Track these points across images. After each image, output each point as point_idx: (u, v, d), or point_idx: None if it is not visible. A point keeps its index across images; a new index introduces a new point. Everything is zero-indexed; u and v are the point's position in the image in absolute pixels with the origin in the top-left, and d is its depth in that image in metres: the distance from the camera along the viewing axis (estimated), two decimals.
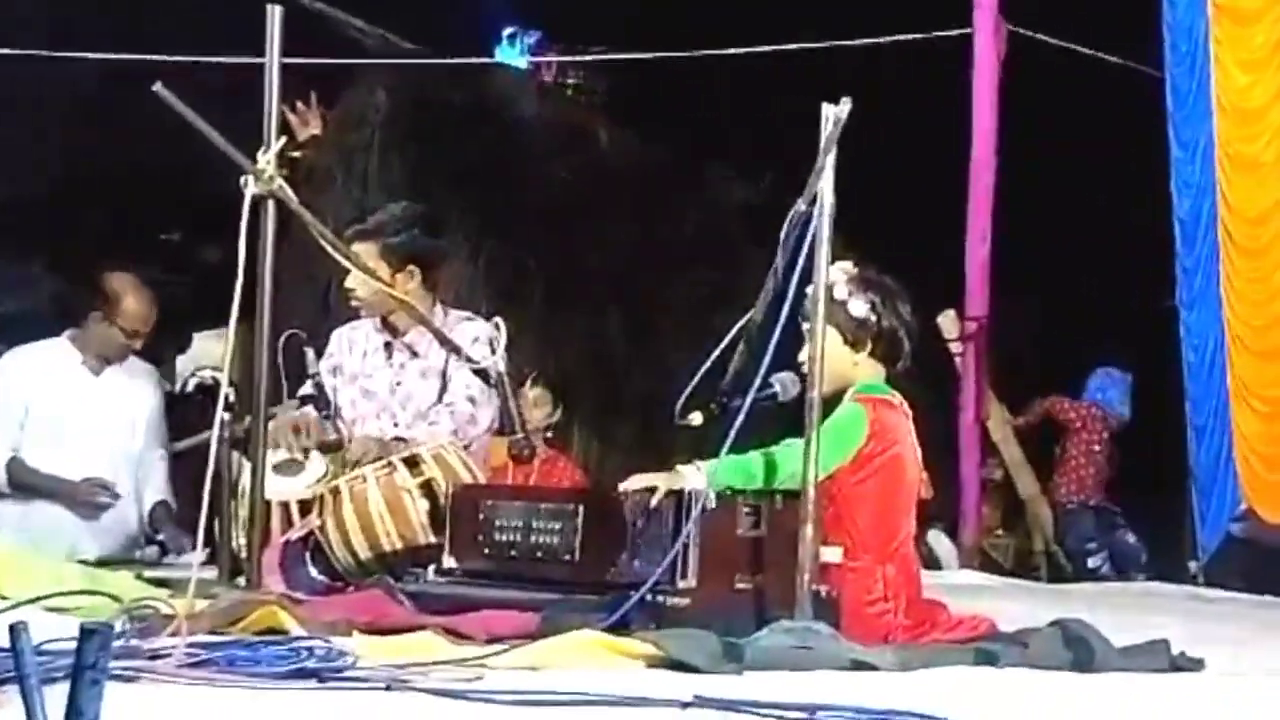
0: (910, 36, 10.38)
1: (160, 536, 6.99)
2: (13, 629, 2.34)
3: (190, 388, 10.47)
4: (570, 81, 16.51)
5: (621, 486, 4.45)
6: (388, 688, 3.11)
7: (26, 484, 6.77)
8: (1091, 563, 9.85)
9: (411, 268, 5.77)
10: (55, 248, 12.72)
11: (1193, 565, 9.32)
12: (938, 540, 9.45)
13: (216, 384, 9.60)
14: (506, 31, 16.56)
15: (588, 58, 15.67)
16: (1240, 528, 9.11)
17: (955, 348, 9.93)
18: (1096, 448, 10.15)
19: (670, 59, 11.49)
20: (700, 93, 13.10)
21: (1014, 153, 10.00)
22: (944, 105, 10.22)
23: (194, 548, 6.93)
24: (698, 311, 12.28)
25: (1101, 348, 10.65)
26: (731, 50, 11.10)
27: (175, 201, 14.93)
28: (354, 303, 5.79)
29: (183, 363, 13.27)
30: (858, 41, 10.41)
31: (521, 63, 15.92)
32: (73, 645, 2.85)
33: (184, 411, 9.47)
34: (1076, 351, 10.45)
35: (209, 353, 13.51)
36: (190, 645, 3.18)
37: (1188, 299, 9.16)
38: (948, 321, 9.86)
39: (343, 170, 12.16)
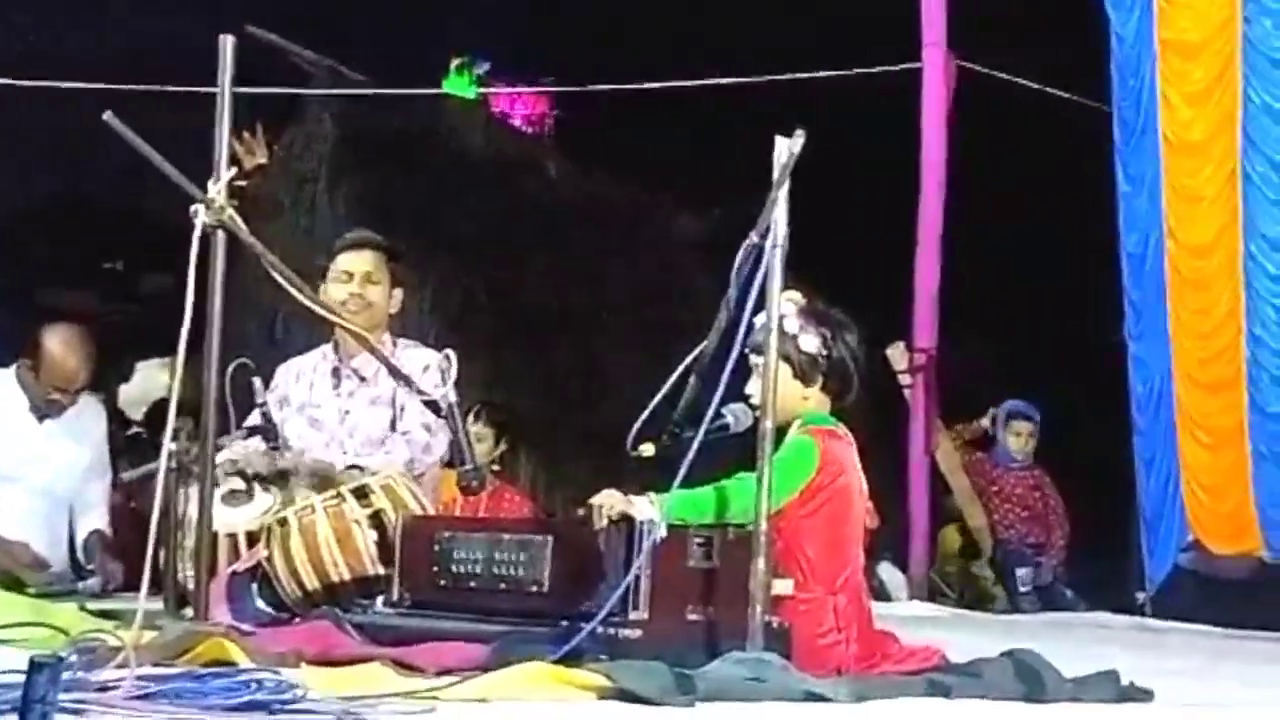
0: (859, 71, 10.41)
1: (91, 566, 6.93)
2: None
3: (140, 415, 10.45)
4: (520, 113, 16.54)
5: (594, 520, 4.41)
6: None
7: None
8: (1021, 585, 9.88)
9: (400, 288, 5.91)
10: None
11: (1140, 596, 9.35)
12: (888, 572, 9.45)
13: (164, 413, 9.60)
14: (455, 62, 16.58)
15: (537, 89, 15.69)
16: (1187, 558, 9.15)
17: (904, 380, 9.95)
18: (994, 488, 10.20)
19: (619, 91, 11.50)
20: (649, 125, 13.13)
21: (963, 186, 10.04)
22: (893, 139, 10.25)
23: (123, 578, 6.96)
24: (647, 343, 12.29)
25: (1049, 380, 10.71)
26: (681, 83, 11.12)
27: (118, 231, 14.87)
28: (352, 306, 5.77)
29: (125, 392, 13.20)
30: (807, 75, 10.43)
31: (471, 93, 15.93)
32: (19, 678, 2.83)
33: (127, 440, 9.44)
34: (1025, 384, 10.49)
35: (152, 383, 13.44)
36: (138, 677, 3.14)
37: (1136, 332, 9.21)
38: (897, 353, 9.87)
39: (290, 199, 12.14)
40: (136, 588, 7.48)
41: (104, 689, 3.08)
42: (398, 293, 5.98)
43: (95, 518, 7.07)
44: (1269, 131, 8.61)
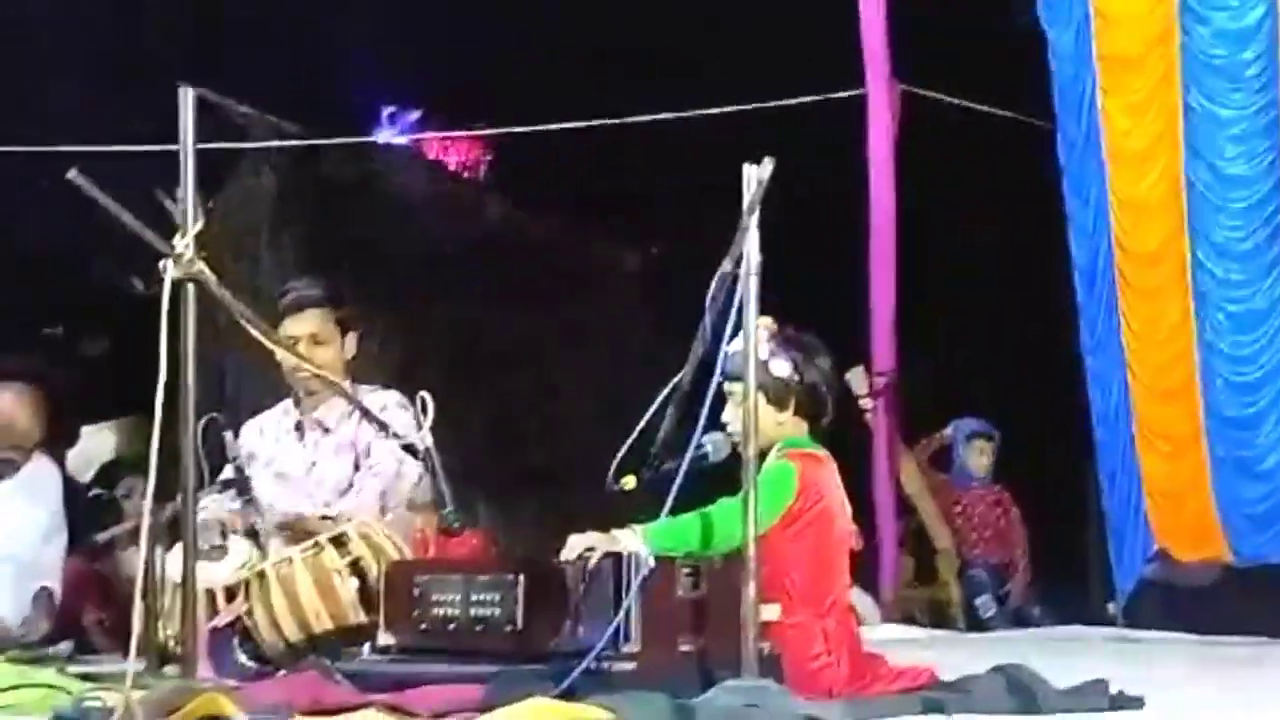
0: (803, 100, 10.43)
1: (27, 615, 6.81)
2: None
3: (88, 478, 10.34)
4: (454, 159, 16.56)
5: (563, 554, 4.42)
6: None
7: None
8: (983, 612, 9.90)
9: (352, 334, 5.82)
10: None
11: (1111, 607, 9.37)
12: (860, 598, 9.43)
13: (116, 479, 9.50)
14: (386, 111, 16.60)
15: (467, 133, 15.70)
16: (1152, 569, 9.17)
17: (866, 404, 9.96)
18: (958, 509, 10.23)
19: (553, 132, 11.49)
20: (586, 164, 13.14)
21: (914, 209, 10.09)
22: (842, 165, 10.27)
23: (48, 638, 6.86)
24: (595, 380, 12.31)
25: (1008, 397, 10.76)
26: (619, 120, 11.11)
27: (56, 295, 14.75)
28: (300, 377, 5.71)
29: (71, 457, 13.06)
30: (751, 106, 10.45)
31: (403, 140, 15.95)
32: None
33: (88, 503, 9.34)
34: (983, 402, 10.53)
35: (99, 446, 13.32)
36: None
37: (1090, 345, 9.23)
38: (857, 378, 9.86)
39: (231, 254, 12.05)
40: (98, 649, 7.47)
41: None
42: (350, 338, 5.90)
43: (45, 573, 6.96)
44: (1211, 137, 8.68)
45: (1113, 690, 4.69)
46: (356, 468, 5.76)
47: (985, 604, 9.91)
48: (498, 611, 4.47)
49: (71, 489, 10.38)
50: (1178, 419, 8.92)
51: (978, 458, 10.22)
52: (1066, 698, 4.59)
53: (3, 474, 6.83)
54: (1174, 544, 8.96)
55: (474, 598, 4.53)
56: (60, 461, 11.26)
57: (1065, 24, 9.15)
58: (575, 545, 4.44)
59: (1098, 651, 6.86)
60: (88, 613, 8.14)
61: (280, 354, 5.68)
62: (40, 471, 6.99)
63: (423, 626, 4.63)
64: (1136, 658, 6.55)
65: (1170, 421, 8.96)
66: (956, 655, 6.00)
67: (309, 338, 5.77)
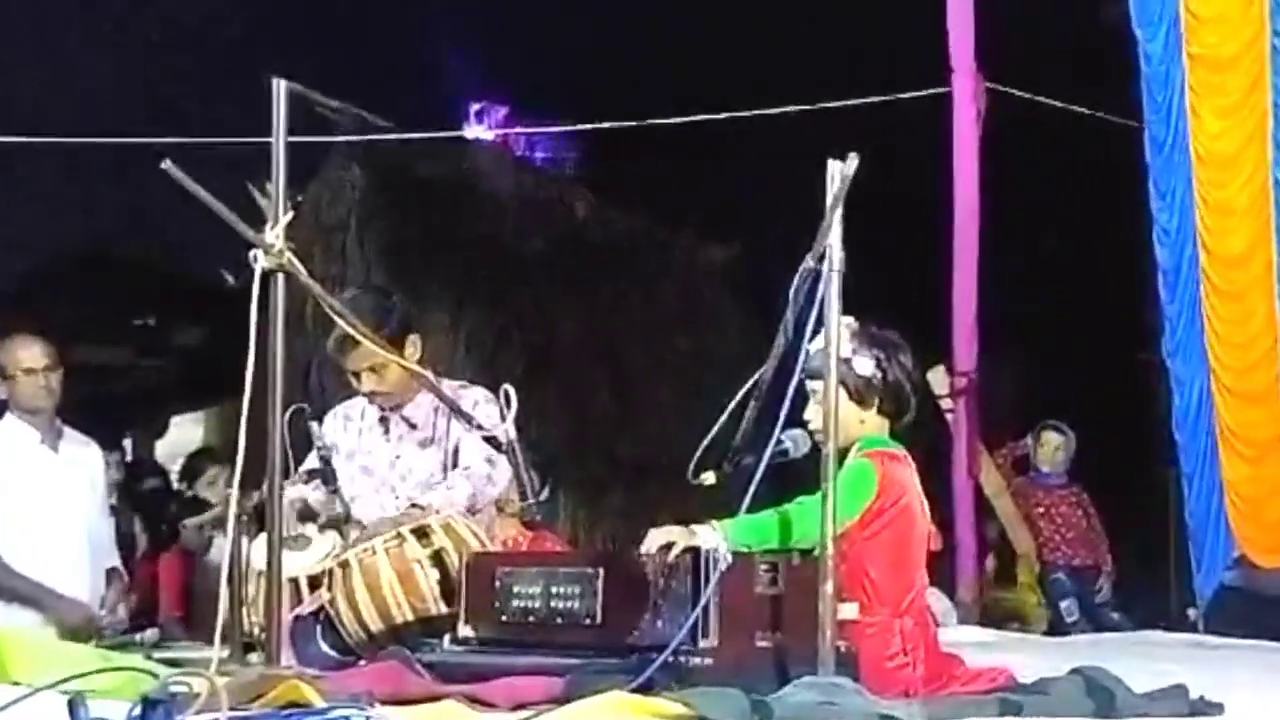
0: (888, 98, 10.43)
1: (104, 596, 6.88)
2: (72, 703, 2.34)
3: (175, 468, 10.49)
4: (540, 155, 16.65)
5: (643, 548, 4.45)
6: None
7: (6, 588, 6.69)
8: (1068, 616, 9.85)
9: (412, 337, 5.77)
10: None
11: (1192, 613, 9.31)
12: (936, 599, 9.42)
13: (202, 468, 9.63)
14: (474, 108, 16.72)
15: (554, 129, 15.77)
16: (1231, 576, 9.12)
17: (946, 404, 9.95)
18: (1040, 509, 10.17)
19: (638, 128, 11.53)
20: (671, 159, 13.18)
21: (997, 207, 10.07)
22: (926, 163, 10.27)
23: (128, 616, 6.94)
24: (679, 375, 12.34)
25: (1088, 399, 10.71)
26: (706, 117, 11.14)
27: (149, 287, 14.93)
28: (378, 399, 5.76)
29: (161, 446, 13.25)
30: (836, 104, 10.46)
31: (489, 136, 16.06)
32: None
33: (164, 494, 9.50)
34: (1063, 404, 10.48)
35: (187, 436, 13.50)
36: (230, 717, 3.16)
37: (1172, 347, 9.20)
38: (938, 378, 9.85)
39: (321, 248, 12.16)
40: (183, 636, 7.59)
41: None
42: (410, 343, 5.72)
43: (108, 552, 7.03)
44: None
45: (1193, 695, 4.66)
46: (445, 466, 5.76)
47: (1070, 608, 9.86)
48: (577, 604, 4.51)
49: (158, 477, 10.57)
50: (1260, 423, 8.86)
51: (1043, 449, 10.17)
52: (1146, 702, 4.56)
53: (55, 441, 6.89)
54: (1254, 549, 8.91)
55: (554, 590, 4.57)
56: (150, 450, 11.44)
57: (1156, 23, 9.11)
58: (655, 539, 4.47)
59: (1176, 657, 6.79)
60: (173, 600, 8.27)
61: (351, 379, 5.72)
62: (80, 449, 7.04)
63: (504, 618, 4.68)
64: (1216, 664, 6.49)
65: (1253, 425, 8.91)
66: (1034, 658, 5.98)
67: (367, 370, 5.68)
